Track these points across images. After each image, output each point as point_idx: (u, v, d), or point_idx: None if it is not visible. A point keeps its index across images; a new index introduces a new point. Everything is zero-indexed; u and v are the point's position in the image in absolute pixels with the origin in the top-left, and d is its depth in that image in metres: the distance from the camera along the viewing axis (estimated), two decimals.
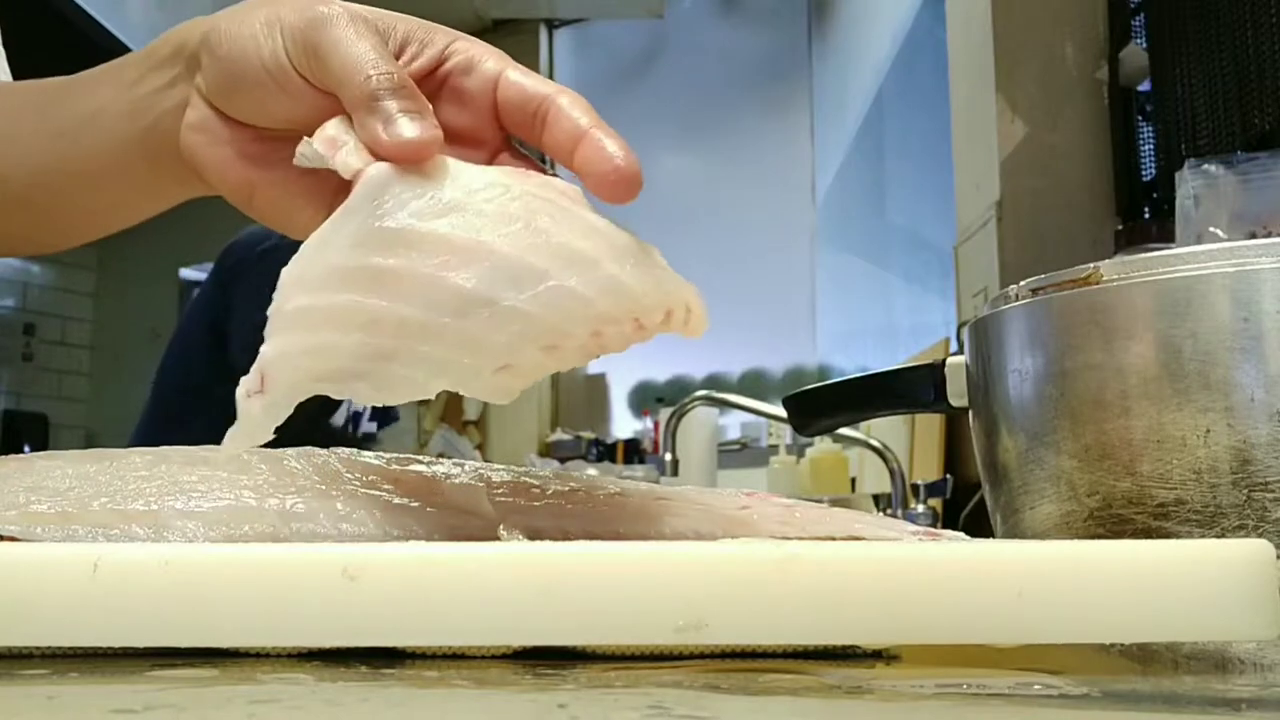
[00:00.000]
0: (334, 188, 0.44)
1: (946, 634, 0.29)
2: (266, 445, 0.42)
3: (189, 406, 1.62)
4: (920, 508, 1.65)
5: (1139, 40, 1.65)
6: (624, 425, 3.93)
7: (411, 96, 0.39)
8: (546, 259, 0.35)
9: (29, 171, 0.53)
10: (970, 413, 0.56)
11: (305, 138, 0.40)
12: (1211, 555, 0.30)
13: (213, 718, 0.25)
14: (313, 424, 1.64)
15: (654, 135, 4.08)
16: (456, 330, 0.34)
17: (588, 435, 3.64)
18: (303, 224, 0.45)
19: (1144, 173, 1.63)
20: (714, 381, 3.69)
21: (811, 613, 0.29)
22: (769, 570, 0.29)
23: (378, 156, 0.38)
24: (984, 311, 0.53)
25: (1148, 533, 0.44)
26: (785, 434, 2.62)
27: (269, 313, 0.37)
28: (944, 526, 1.68)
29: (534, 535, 0.36)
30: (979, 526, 1.11)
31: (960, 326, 1.81)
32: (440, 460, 0.42)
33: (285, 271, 0.37)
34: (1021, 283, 0.50)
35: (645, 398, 3.87)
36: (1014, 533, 0.52)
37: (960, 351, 0.57)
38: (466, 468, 0.41)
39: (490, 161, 0.45)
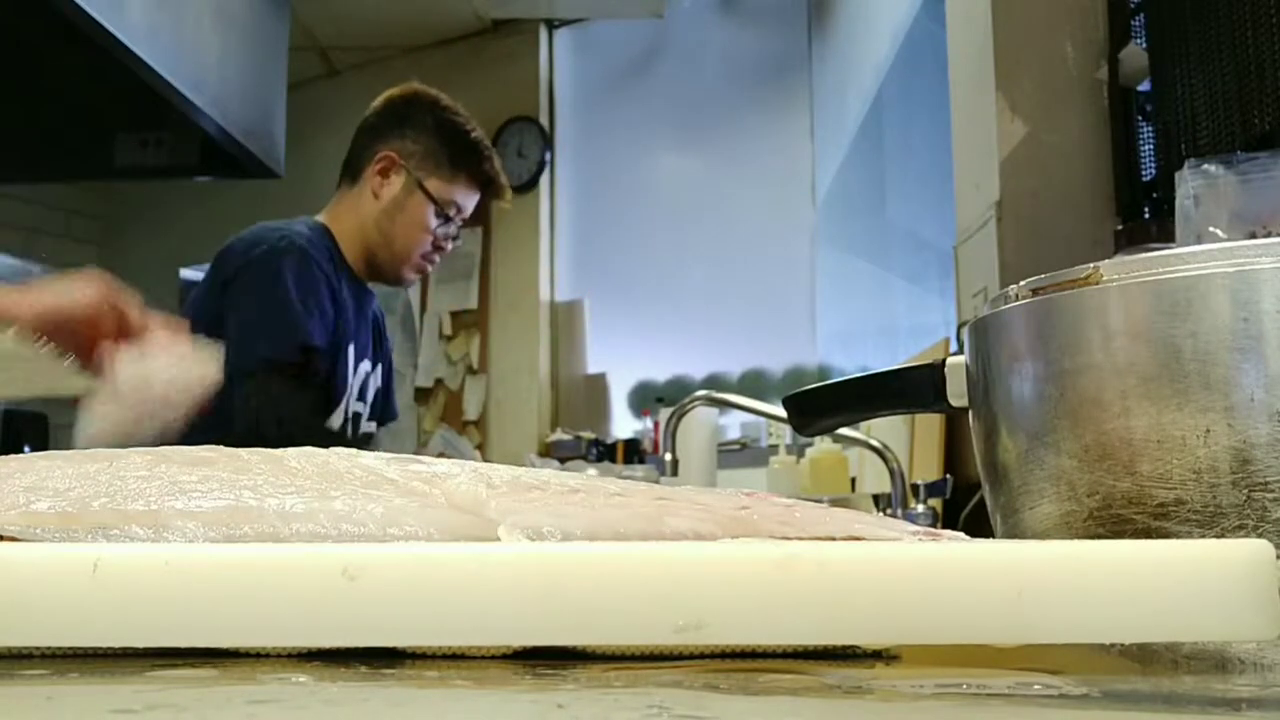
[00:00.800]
0: None
1: (946, 634, 0.29)
2: (266, 445, 0.42)
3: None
4: (920, 508, 1.65)
5: (1139, 40, 1.65)
6: (624, 425, 3.93)
7: None
8: None
9: None
10: (970, 413, 0.56)
11: None
12: (1211, 555, 0.30)
13: (213, 718, 0.25)
14: (311, 424, 1.64)
15: (654, 135, 4.08)
16: None
17: (588, 435, 3.64)
18: None
19: (1144, 173, 1.63)
20: (714, 381, 3.69)
21: (811, 613, 0.29)
22: (769, 570, 0.29)
23: None
24: (984, 311, 0.53)
25: (1148, 533, 0.44)
26: (785, 434, 2.62)
27: None
28: (944, 526, 1.68)
29: (534, 535, 0.36)
30: (979, 526, 1.11)
31: (960, 326, 1.81)
32: (440, 460, 0.42)
33: None
34: (1021, 283, 0.50)
35: (645, 398, 3.87)
36: (1014, 533, 0.52)
37: (960, 351, 0.57)
38: (466, 468, 0.41)
39: None
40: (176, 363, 0.77)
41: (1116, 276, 0.46)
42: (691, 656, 0.32)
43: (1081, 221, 1.67)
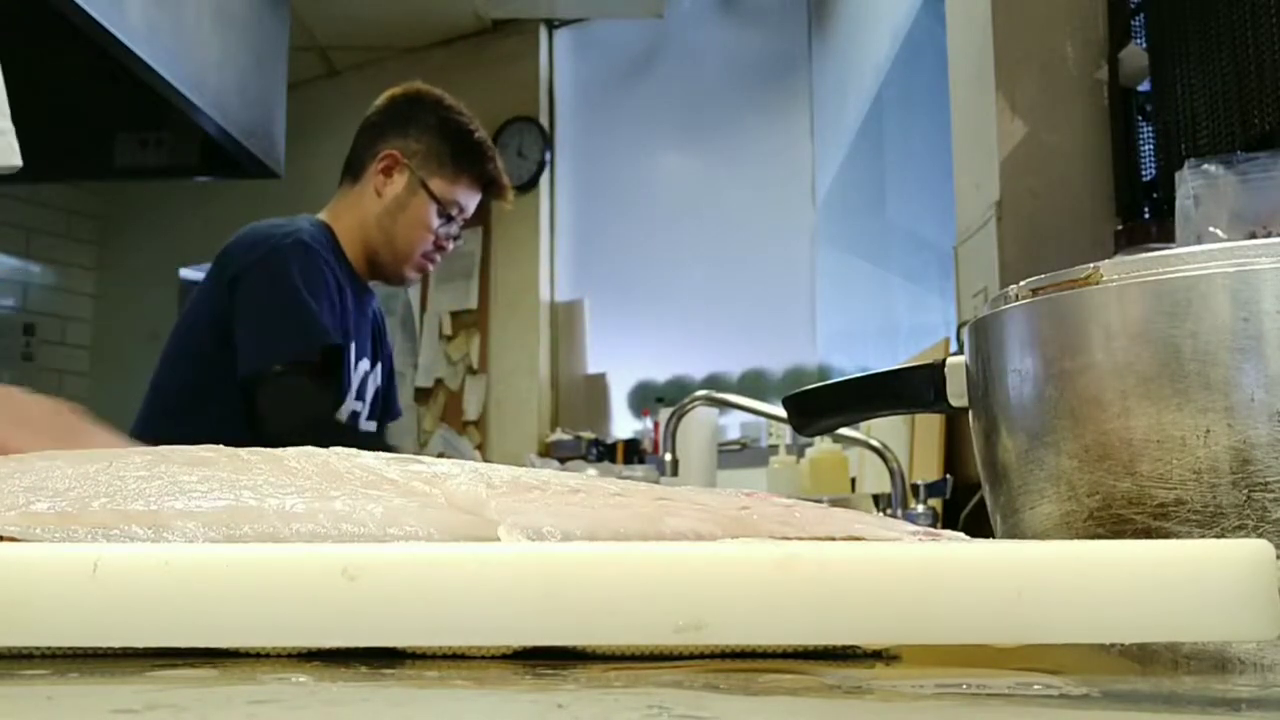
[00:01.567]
0: None
1: (946, 634, 0.29)
2: (266, 445, 0.42)
3: (188, 405, 1.62)
4: (920, 508, 1.65)
5: (1139, 40, 1.65)
6: (624, 425, 3.93)
7: None
8: None
9: None
10: (970, 413, 0.56)
11: None
12: (1211, 555, 0.30)
13: (213, 718, 0.25)
14: (334, 422, 1.64)
15: (654, 135, 4.08)
16: None
17: (588, 435, 3.64)
18: None
19: (1144, 173, 1.63)
20: (714, 381, 3.69)
21: (811, 613, 0.29)
22: (769, 570, 0.29)
23: None
24: (984, 311, 0.53)
25: (1148, 533, 0.44)
26: (785, 434, 2.62)
27: None
28: (944, 526, 1.68)
29: (534, 535, 0.36)
30: (979, 526, 1.11)
31: (960, 326, 1.81)
32: (440, 460, 0.42)
33: None
34: (1021, 283, 0.50)
35: (645, 398, 3.87)
36: (1014, 533, 0.52)
37: (960, 351, 0.57)
38: (466, 468, 0.41)
39: None
40: None
41: (1116, 276, 0.46)
42: (691, 656, 0.32)
43: (1081, 221, 1.67)
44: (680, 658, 0.32)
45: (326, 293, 1.64)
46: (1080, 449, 0.46)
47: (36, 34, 1.96)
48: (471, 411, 3.91)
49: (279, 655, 0.31)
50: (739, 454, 3.30)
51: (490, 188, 1.84)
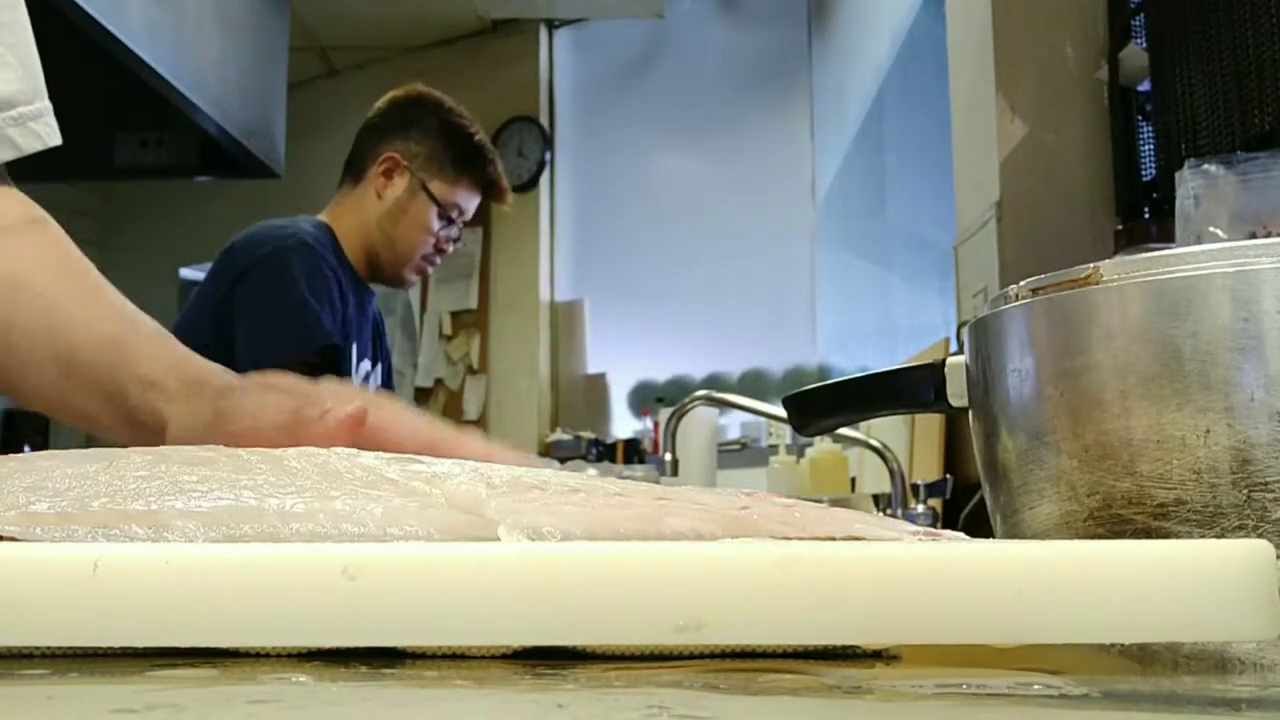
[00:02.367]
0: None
1: (946, 634, 0.29)
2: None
3: None
4: (920, 508, 1.65)
5: (1139, 40, 1.65)
6: (624, 425, 3.93)
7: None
8: None
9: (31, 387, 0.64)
10: (970, 413, 0.56)
11: None
12: (1211, 555, 0.30)
13: (213, 718, 0.25)
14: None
15: (654, 135, 4.08)
16: None
17: (588, 435, 3.64)
18: None
19: (1144, 173, 1.63)
20: (714, 381, 3.69)
21: (811, 613, 0.29)
22: (769, 570, 0.29)
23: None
24: (984, 311, 0.53)
25: (1148, 533, 0.44)
26: (785, 434, 2.62)
27: None
28: (944, 526, 1.68)
29: (534, 535, 0.36)
30: (979, 526, 1.11)
31: (960, 326, 1.81)
32: (440, 460, 0.41)
33: None
34: (1021, 283, 0.50)
35: (645, 398, 3.87)
36: (1014, 533, 0.52)
37: (960, 351, 0.57)
38: (466, 468, 0.41)
39: None
40: None
41: (1116, 276, 0.46)
42: (691, 656, 0.32)
43: (1081, 221, 1.67)
44: (680, 658, 0.32)
45: (328, 293, 1.64)
46: (1080, 449, 0.46)
47: (36, 33, 1.96)
48: (471, 411, 3.92)
49: (279, 655, 0.31)
50: (739, 454, 3.30)
51: (490, 190, 1.84)
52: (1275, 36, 1.25)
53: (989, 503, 0.55)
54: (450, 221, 1.79)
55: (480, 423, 3.89)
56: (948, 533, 0.39)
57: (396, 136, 1.78)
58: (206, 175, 2.52)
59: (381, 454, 0.41)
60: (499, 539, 0.36)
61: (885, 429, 2.03)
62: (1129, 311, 0.45)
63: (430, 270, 1.85)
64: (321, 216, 1.79)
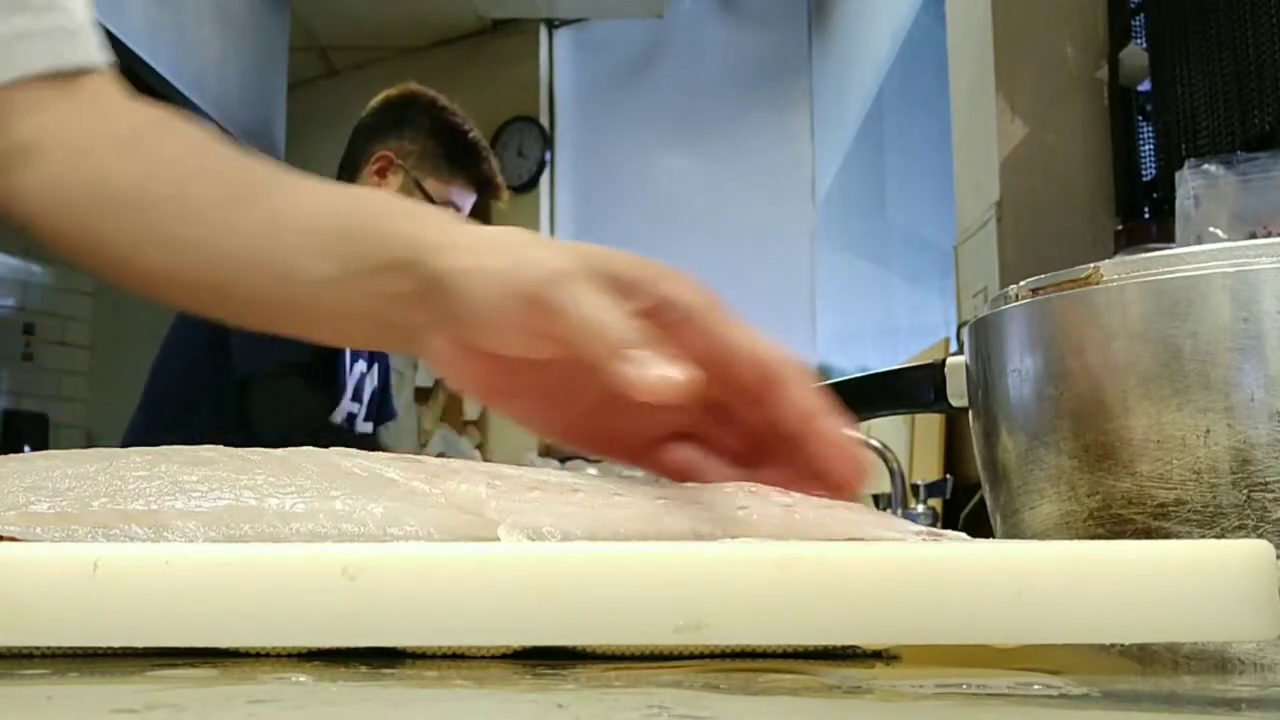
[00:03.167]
0: (573, 418, 0.46)
1: (946, 634, 0.29)
2: (267, 445, 0.42)
3: (187, 406, 1.62)
4: (920, 508, 1.65)
5: (1139, 40, 1.65)
6: None
7: (655, 348, 0.39)
8: None
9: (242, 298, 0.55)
10: (970, 413, 0.56)
11: None
12: (1211, 555, 0.30)
13: (213, 718, 0.25)
14: (325, 424, 1.63)
15: (654, 135, 4.08)
16: None
17: None
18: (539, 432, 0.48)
19: (1144, 173, 1.63)
20: None
21: (811, 613, 0.29)
22: (769, 570, 0.29)
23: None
24: (984, 311, 0.53)
25: (1148, 533, 0.44)
26: None
27: None
28: (944, 526, 1.68)
29: (534, 535, 0.36)
30: (979, 526, 1.10)
31: (960, 326, 1.81)
32: (439, 460, 0.42)
33: None
34: (1021, 283, 0.50)
35: None
36: (1014, 533, 0.52)
37: (960, 351, 0.57)
38: (466, 467, 0.41)
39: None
40: None
41: (1116, 276, 0.46)
42: (691, 656, 0.32)
43: (1081, 221, 1.67)
44: (680, 658, 0.32)
45: None
46: (1080, 449, 0.46)
47: None
48: (471, 411, 3.91)
49: (279, 655, 0.31)
50: None
51: (485, 188, 1.84)
52: (1275, 36, 1.25)
53: (989, 503, 0.55)
54: None
55: (480, 423, 3.89)
56: (950, 533, 0.39)
57: (390, 135, 1.78)
58: None
59: (381, 454, 0.41)
60: (499, 539, 0.36)
61: (885, 429, 2.03)
62: (1129, 311, 0.45)
63: None
64: None
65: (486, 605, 0.29)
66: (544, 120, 4.05)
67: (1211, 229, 0.98)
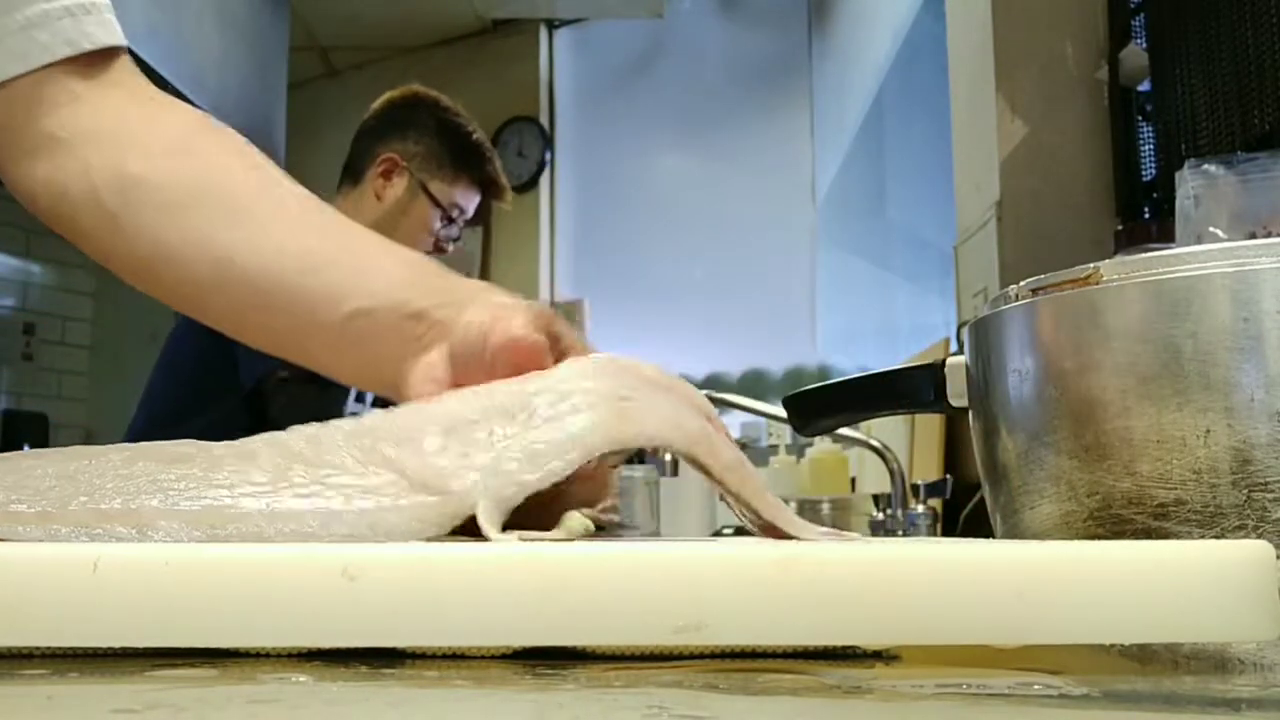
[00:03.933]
0: None
1: (946, 634, 0.29)
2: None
3: (189, 406, 1.62)
4: (920, 508, 1.65)
5: (1139, 40, 1.65)
6: None
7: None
8: None
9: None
10: (970, 413, 0.56)
11: None
12: (1211, 555, 0.30)
13: (213, 718, 0.25)
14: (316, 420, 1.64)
15: (654, 135, 4.07)
16: None
17: None
18: None
19: (1144, 173, 1.63)
20: (714, 381, 3.69)
21: (811, 613, 0.29)
22: (769, 570, 0.29)
23: None
24: (984, 311, 0.53)
25: (1148, 533, 0.44)
26: (785, 434, 2.62)
27: None
28: (944, 526, 1.68)
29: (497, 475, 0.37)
30: (979, 526, 1.10)
31: (960, 326, 1.81)
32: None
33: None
34: (1021, 283, 0.50)
35: None
36: (1014, 533, 0.52)
37: (960, 351, 0.57)
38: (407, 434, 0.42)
39: None
40: None
41: (1116, 276, 0.46)
42: (691, 656, 0.32)
43: (1081, 221, 1.67)
44: (680, 658, 0.32)
45: None
46: (1080, 449, 0.46)
47: None
48: None
49: (279, 655, 0.31)
50: None
51: (489, 188, 1.84)
52: (1275, 36, 1.25)
53: (989, 503, 0.55)
54: (450, 221, 1.79)
55: None
56: (849, 534, 0.39)
57: (394, 137, 1.78)
58: None
59: (340, 428, 0.42)
60: (480, 528, 0.36)
61: (885, 429, 2.03)
62: (1129, 311, 0.45)
63: None
64: None
65: (486, 605, 0.29)
66: (544, 120, 4.04)
67: (1211, 229, 0.98)
